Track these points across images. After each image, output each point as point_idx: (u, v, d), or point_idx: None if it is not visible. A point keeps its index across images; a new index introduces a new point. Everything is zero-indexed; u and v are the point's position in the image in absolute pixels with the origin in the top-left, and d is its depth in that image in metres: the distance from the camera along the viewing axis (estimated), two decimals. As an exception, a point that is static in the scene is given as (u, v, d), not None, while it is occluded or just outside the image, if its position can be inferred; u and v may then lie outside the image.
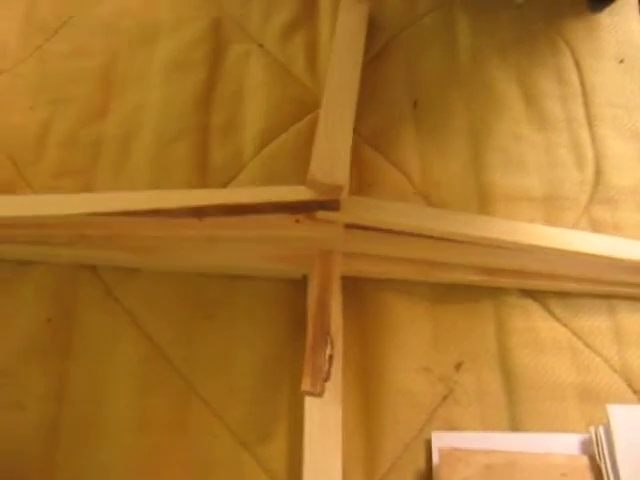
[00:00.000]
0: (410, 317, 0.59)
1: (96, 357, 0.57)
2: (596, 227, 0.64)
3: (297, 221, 0.56)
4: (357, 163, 0.64)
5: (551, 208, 0.64)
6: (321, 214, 0.56)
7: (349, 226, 0.57)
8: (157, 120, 0.67)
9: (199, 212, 0.55)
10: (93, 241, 0.58)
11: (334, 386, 0.54)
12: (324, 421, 0.53)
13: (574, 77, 0.71)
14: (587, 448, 0.53)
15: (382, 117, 0.68)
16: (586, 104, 0.70)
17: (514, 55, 0.72)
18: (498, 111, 0.68)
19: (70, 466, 0.54)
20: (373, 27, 0.73)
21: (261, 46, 0.72)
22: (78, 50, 0.72)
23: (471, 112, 0.69)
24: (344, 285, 0.58)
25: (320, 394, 0.50)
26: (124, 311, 0.59)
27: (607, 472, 0.51)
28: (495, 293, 0.60)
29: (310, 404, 0.54)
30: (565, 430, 0.55)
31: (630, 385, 0.57)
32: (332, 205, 0.55)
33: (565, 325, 0.60)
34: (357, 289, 0.60)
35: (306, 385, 0.50)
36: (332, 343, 0.53)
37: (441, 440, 0.54)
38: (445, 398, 0.56)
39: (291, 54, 0.72)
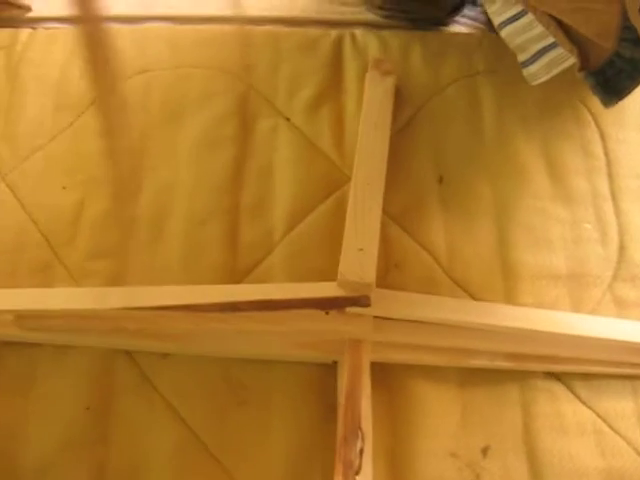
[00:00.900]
0: (438, 402, 0.60)
1: (133, 443, 0.59)
2: (620, 304, 0.65)
3: (327, 314, 0.58)
4: (384, 242, 0.65)
5: (576, 286, 0.65)
6: (351, 309, 0.57)
7: (378, 317, 0.59)
8: (188, 199, 0.68)
9: (232, 307, 0.57)
10: (128, 331, 0.59)
11: (365, 476, 0.55)
12: (355, 509, 0.55)
13: (599, 148, 0.72)
14: (611, 537, 0.55)
15: (409, 194, 0.69)
16: (610, 176, 0.71)
17: (538, 128, 0.72)
18: (523, 186, 0.69)
19: None
20: (399, 98, 0.73)
21: (288, 120, 0.73)
22: (109, 128, 0.73)
23: (496, 188, 0.70)
24: (373, 370, 0.59)
25: (352, 488, 0.52)
26: (159, 397, 0.60)
27: None
28: (521, 376, 0.61)
29: (341, 494, 0.55)
30: (590, 517, 0.57)
31: (653, 469, 0.59)
32: (363, 301, 0.56)
33: (590, 408, 0.61)
34: (386, 374, 0.61)
35: (338, 481, 0.52)
36: (362, 436, 0.55)
37: (469, 528, 0.56)
38: (472, 484, 0.58)
39: (317, 128, 0.73)
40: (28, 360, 0.62)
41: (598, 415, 0.61)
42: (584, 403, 0.61)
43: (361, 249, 0.57)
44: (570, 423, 0.60)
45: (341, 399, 0.56)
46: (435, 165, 0.71)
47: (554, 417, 0.60)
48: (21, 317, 0.59)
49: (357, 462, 0.53)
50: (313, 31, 0.80)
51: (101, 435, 0.59)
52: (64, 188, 0.69)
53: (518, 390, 0.61)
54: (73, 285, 0.65)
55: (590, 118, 0.73)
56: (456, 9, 0.82)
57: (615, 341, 0.60)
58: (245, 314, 0.57)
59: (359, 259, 0.56)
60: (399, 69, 0.75)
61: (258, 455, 0.59)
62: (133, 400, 0.60)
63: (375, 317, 0.59)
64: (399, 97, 0.73)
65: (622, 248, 0.67)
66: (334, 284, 0.57)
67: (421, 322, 0.59)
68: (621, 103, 0.72)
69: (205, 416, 0.60)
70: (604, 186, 0.70)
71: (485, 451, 0.59)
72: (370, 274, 0.56)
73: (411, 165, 0.71)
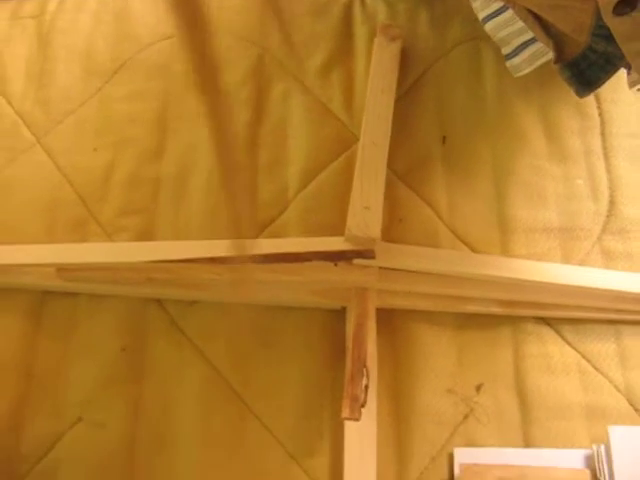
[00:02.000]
0: (437, 343, 0.66)
1: (165, 382, 0.66)
2: (607, 256, 0.69)
3: (336, 265, 0.64)
4: (389, 199, 0.70)
5: (567, 238, 0.70)
6: (357, 261, 0.63)
7: (383, 267, 0.65)
8: (209, 159, 0.74)
9: (250, 260, 0.63)
10: (157, 281, 0.66)
11: (370, 410, 0.62)
12: (361, 438, 0.62)
13: (593, 109, 0.75)
14: (590, 463, 0.61)
15: (414, 153, 0.74)
16: (603, 135, 0.74)
17: (537, 90, 0.76)
18: (521, 146, 0.73)
19: (145, 476, 0.63)
20: (405, 61, 0.77)
21: (301, 83, 0.78)
22: (134, 92, 0.78)
23: (495, 147, 0.74)
24: (378, 315, 0.65)
25: (358, 419, 0.58)
26: (187, 340, 0.67)
27: (606, 486, 0.59)
28: (512, 321, 0.67)
29: (349, 425, 0.62)
30: (572, 446, 0.62)
31: (632, 404, 0.64)
32: (368, 254, 0.62)
33: (575, 349, 0.66)
34: (389, 319, 0.67)
35: (345, 413, 0.58)
36: (368, 374, 0.61)
37: (462, 455, 0.62)
38: (466, 417, 0.64)
39: (329, 91, 0.77)
40: (69, 307, 0.69)
41: (583, 356, 0.66)
42: (570, 345, 0.67)
43: (367, 207, 0.62)
44: (557, 363, 0.66)
45: (349, 341, 0.62)
46: (439, 126, 0.75)
47: (542, 358, 0.66)
48: (62, 269, 0.66)
49: (362, 397, 0.59)
50: (323, -5, 0.83)
51: (136, 374, 0.66)
52: (95, 150, 0.75)
53: (510, 333, 0.67)
54: (106, 239, 0.71)
55: (586, 79, 0.77)
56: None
57: (601, 290, 0.65)
58: (263, 265, 0.63)
59: (365, 216, 0.62)
60: (406, 33, 0.79)
61: (275, 391, 0.65)
62: (163, 343, 0.67)
63: (380, 268, 0.65)
64: (405, 60, 0.77)
65: (612, 203, 0.72)
66: (342, 239, 0.63)
67: (422, 272, 0.65)
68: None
69: (227, 356, 0.67)
70: (597, 145, 0.74)
71: (479, 388, 0.66)
72: (375, 230, 0.62)
73: (416, 126, 0.75)
